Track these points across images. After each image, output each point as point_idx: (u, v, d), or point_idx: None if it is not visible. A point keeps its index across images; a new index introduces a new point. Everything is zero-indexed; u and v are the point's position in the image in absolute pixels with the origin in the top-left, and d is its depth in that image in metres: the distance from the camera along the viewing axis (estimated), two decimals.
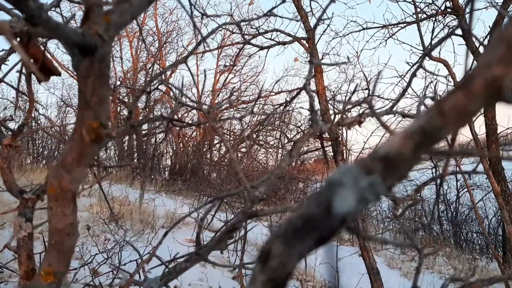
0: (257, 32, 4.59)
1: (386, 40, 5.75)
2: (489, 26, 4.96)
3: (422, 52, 4.38)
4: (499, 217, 6.66)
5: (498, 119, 5.10)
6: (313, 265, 4.68)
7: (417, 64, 0.69)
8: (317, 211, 0.29)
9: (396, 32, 5.64)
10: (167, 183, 9.92)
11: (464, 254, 7.24)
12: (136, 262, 1.95)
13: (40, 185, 0.75)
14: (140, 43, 12.36)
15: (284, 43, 4.56)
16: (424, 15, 5.27)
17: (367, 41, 7.52)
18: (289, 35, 4.36)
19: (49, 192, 0.55)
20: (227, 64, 11.81)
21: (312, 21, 4.34)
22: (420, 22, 4.98)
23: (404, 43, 6.55)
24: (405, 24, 5.44)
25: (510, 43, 0.27)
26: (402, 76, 5.54)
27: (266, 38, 4.72)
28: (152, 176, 10.22)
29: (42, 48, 0.62)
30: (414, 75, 0.71)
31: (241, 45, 5.55)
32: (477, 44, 4.55)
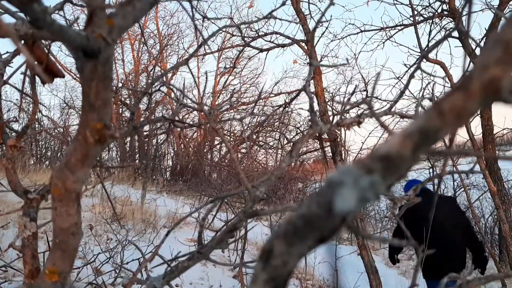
0: (257, 35, 4.61)
1: (383, 42, 5.76)
2: (485, 28, 4.97)
3: (419, 54, 4.39)
4: (496, 217, 6.66)
5: (494, 120, 5.12)
6: (313, 264, 4.69)
7: (415, 66, 0.70)
8: (318, 210, 0.29)
9: (394, 34, 5.65)
10: (168, 184, 9.93)
11: None
12: (138, 261, 1.96)
13: (44, 186, 0.76)
14: (141, 45, 12.38)
15: (283, 46, 4.57)
16: (421, 18, 5.28)
17: (365, 43, 7.47)
18: (288, 37, 4.36)
19: (53, 192, 0.55)
20: (228, 66, 11.83)
21: (311, 24, 4.35)
22: (417, 25, 5.00)
23: (401, 45, 6.60)
24: (402, 27, 5.44)
25: (507, 44, 0.27)
26: (400, 78, 5.55)
27: (266, 41, 4.73)
28: (154, 177, 10.22)
29: (46, 51, 0.63)
30: (412, 76, 0.72)
31: (241, 48, 5.54)
32: (473, 46, 4.56)
